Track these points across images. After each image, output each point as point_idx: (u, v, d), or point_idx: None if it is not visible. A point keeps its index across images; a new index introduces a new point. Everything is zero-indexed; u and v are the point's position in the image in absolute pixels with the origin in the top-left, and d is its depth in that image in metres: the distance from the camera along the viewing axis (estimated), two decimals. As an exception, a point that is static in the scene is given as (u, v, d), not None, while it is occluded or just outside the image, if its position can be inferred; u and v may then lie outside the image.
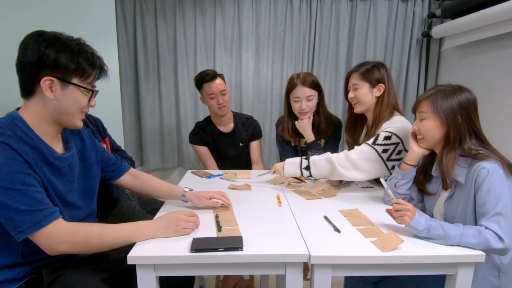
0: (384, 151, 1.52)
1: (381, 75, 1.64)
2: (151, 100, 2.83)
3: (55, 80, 1.00)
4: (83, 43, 1.07)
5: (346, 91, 1.76)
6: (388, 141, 1.52)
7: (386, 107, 1.62)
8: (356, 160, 1.53)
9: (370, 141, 1.55)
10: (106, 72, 1.12)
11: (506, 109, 2.11)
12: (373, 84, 1.64)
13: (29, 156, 0.99)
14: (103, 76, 1.12)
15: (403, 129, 1.53)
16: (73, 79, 1.03)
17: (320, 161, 1.59)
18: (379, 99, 1.64)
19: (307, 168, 1.61)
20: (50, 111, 1.04)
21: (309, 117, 1.96)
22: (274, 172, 1.69)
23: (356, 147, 1.58)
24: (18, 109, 1.06)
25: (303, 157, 1.64)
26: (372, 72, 1.64)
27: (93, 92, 1.10)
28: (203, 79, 2.13)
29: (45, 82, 0.99)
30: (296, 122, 1.99)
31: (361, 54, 2.82)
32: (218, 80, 2.13)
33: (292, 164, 1.63)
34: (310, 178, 1.79)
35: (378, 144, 1.53)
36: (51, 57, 0.99)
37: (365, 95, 1.65)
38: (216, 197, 1.36)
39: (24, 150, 0.98)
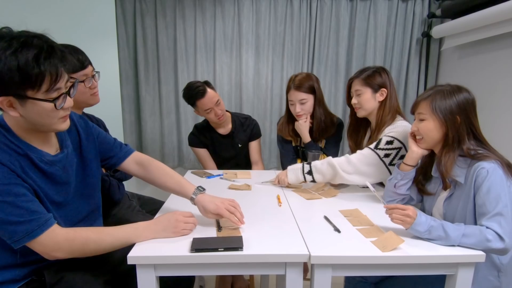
0: (386, 155, 1.53)
1: (382, 79, 1.65)
2: (151, 100, 2.83)
3: (10, 97, 0.89)
4: (27, 39, 0.87)
5: (349, 97, 1.76)
6: (390, 146, 1.52)
7: (388, 111, 1.63)
8: (357, 164, 1.54)
9: (372, 145, 1.55)
10: (67, 62, 0.93)
11: (506, 109, 2.11)
12: (376, 89, 1.65)
13: (15, 165, 0.94)
14: (63, 74, 0.92)
15: (405, 133, 1.52)
16: (27, 92, 0.89)
17: (322, 166, 1.59)
18: (382, 104, 1.65)
19: (310, 172, 1.61)
20: (25, 123, 0.96)
21: (306, 119, 1.96)
22: (278, 182, 1.68)
23: (358, 151, 1.59)
24: None
25: (305, 162, 1.65)
26: (374, 77, 1.65)
27: (58, 97, 0.93)
28: (195, 97, 2.04)
29: (2, 103, 0.89)
30: (295, 123, 2.00)
31: (361, 54, 2.82)
32: (210, 93, 2.04)
33: (294, 171, 1.64)
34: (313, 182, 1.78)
35: (380, 149, 1.53)
36: None
37: (368, 100, 1.65)
38: (225, 216, 1.16)
39: (9, 159, 0.94)
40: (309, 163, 1.63)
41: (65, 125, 1.02)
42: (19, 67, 0.85)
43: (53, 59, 0.90)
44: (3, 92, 0.88)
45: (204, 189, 1.27)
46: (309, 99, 1.94)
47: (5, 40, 0.86)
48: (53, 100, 0.93)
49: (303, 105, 1.93)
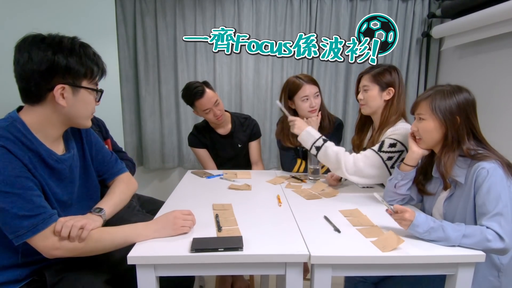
0: (389, 158, 1.52)
1: (392, 78, 1.62)
2: (151, 100, 2.83)
3: (66, 86, 0.99)
4: (82, 42, 1.05)
5: (357, 92, 1.74)
6: (393, 149, 1.52)
7: (394, 112, 1.61)
8: (362, 167, 1.54)
9: (376, 148, 1.55)
10: (106, 70, 1.11)
11: (506, 109, 2.11)
12: (383, 87, 1.63)
13: (26, 159, 0.97)
14: (104, 74, 1.12)
15: (407, 136, 1.49)
16: (82, 82, 1.03)
17: (331, 153, 1.58)
18: (388, 103, 1.63)
19: (318, 149, 1.62)
20: (60, 116, 1.03)
21: (318, 115, 1.95)
22: (291, 121, 1.72)
23: (362, 153, 1.58)
24: (18, 109, 1.04)
25: (323, 137, 1.65)
26: (383, 75, 1.62)
27: (100, 92, 1.10)
28: (194, 97, 2.03)
29: (58, 90, 0.98)
30: (304, 120, 1.96)
31: (361, 54, 2.82)
32: (209, 93, 2.03)
33: (309, 135, 1.66)
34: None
35: (383, 151, 1.53)
36: (62, 63, 0.97)
37: (374, 98, 1.63)
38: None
39: (22, 153, 0.96)
40: (325, 141, 1.63)
41: (91, 122, 1.15)
42: (86, 59, 1.02)
43: (101, 59, 1.09)
44: (63, 80, 0.99)
45: (99, 212, 1.13)
46: (319, 92, 1.94)
47: (65, 40, 1.00)
48: (100, 90, 1.10)
49: (317, 98, 1.92)
